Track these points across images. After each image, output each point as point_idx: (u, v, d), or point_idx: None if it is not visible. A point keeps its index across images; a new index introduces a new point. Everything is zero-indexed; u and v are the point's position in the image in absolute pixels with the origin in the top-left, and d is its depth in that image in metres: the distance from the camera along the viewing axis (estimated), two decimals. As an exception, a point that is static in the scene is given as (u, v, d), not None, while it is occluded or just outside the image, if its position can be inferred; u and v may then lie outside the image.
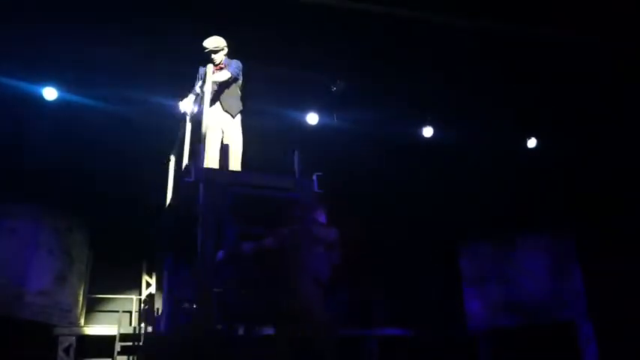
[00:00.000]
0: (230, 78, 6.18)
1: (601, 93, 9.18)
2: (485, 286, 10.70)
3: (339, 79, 8.88)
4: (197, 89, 6.32)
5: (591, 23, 7.96)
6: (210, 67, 6.21)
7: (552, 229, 10.48)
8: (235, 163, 6.13)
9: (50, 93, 8.49)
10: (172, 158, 6.79)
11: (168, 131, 8.74)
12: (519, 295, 10.37)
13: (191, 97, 6.39)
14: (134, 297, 9.93)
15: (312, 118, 9.54)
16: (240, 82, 6.42)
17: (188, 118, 6.29)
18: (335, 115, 9.46)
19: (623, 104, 9.33)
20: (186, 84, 6.51)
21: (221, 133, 6.24)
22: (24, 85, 8.34)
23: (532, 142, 10.24)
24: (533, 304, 10.23)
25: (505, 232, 10.71)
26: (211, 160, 6.01)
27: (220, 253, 5.55)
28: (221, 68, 6.31)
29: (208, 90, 5.93)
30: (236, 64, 6.41)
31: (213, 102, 6.10)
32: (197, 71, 6.48)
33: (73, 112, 8.65)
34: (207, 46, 6.32)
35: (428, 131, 9.91)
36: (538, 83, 9.16)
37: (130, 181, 8.86)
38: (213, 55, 6.32)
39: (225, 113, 6.27)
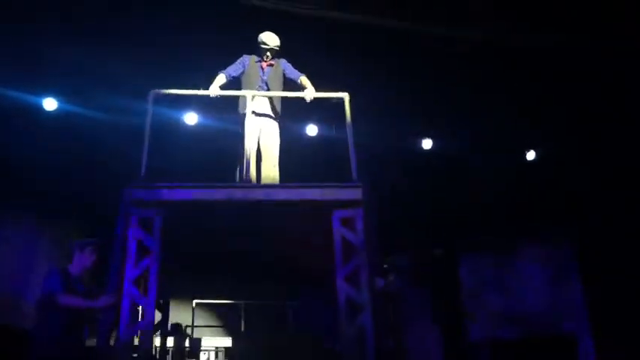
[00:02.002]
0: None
1: (601, 104, 9.20)
2: (485, 296, 10.66)
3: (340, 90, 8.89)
4: (233, 72, 6.30)
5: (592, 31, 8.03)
6: (252, 58, 6.37)
7: (552, 240, 10.46)
8: (273, 167, 6.08)
9: (50, 104, 8.53)
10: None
11: (168, 143, 8.85)
12: (519, 306, 10.31)
13: (221, 77, 6.24)
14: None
15: (312, 130, 9.57)
16: None
17: (248, 116, 5.96)
18: (334, 126, 9.46)
19: (624, 115, 9.34)
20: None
21: (258, 132, 6.16)
22: (24, 96, 8.38)
23: (531, 154, 10.26)
24: (533, 315, 10.18)
25: (505, 242, 10.68)
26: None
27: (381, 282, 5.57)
28: (271, 65, 6.36)
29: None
30: (289, 65, 6.44)
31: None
32: (238, 56, 6.45)
33: (72, 123, 8.69)
34: (270, 44, 6.33)
35: (427, 143, 9.96)
36: (537, 95, 9.20)
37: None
38: (269, 53, 6.33)
39: (270, 111, 6.24)
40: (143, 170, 5.33)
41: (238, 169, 5.94)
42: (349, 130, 5.85)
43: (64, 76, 8.31)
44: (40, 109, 8.55)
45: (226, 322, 10.82)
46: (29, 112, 8.52)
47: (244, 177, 5.70)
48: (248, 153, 5.83)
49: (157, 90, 5.89)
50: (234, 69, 6.31)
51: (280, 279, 9.82)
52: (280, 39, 6.47)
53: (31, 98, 8.48)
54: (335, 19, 7.81)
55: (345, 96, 6.01)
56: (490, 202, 10.30)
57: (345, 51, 8.41)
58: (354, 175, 5.54)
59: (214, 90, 6.05)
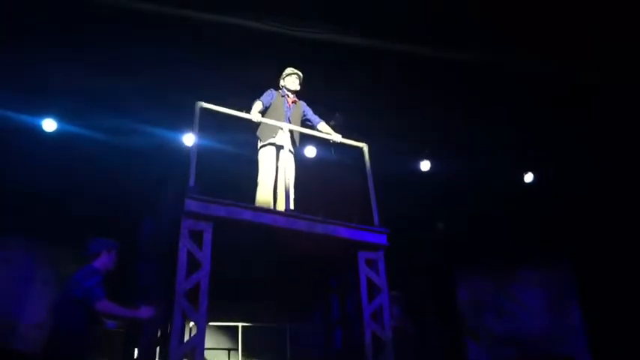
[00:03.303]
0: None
1: (602, 128, 9.25)
2: (484, 320, 10.64)
3: (338, 112, 8.91)
4: (266, 102, 6.54)
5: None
6: (277, 93, 6.69)
7: (551, 264, 10.48)
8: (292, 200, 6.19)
9: (49, 124, 8.51)
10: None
11: (167, 162, 8.85)
12: (518, 330, 10.31)
13: (259, 104, 6.43)
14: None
15: (310, 152, 9.57)
16: None
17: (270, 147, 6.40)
18: (333, 149, 9.46)
19: (623, 140, 9.38)
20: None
21: (277, 164, 6.38)
22: (23, 117, 8.36)
23: (529, 177, 10.27)
24: (532, 338, 10.18)
25: (504, 266, 10.69)
26: (265, 193, 6.18)
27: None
28: (294, 102, 6.74)
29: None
30: (309, 109, 6.90)
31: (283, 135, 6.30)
32: (265, 89, 6.71)
33: (72, 144, 8.67)
34: (297, 71, 6.81)
35: (425, 165, 9.95)
36: (534, 116, 9.23)
37: (129, 213, 8.82)
38: (297, 86, 6.77)
39: (291, 146, 6.49)
40: (192, 182, 5.29)
41: (258, 197, 6.17)
42: (370, 178, 6.26)
43: (63, 96, 8.30)
44: (40, 130, 8.52)
45: (224, 344, 10.73)
46: (28, 133, 8.50)
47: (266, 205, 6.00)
48: (269, 183, 6.17)
49: (202, 103, 5.91)
50: (266, 99, 6.58)
51: (280, 302, 9.79)
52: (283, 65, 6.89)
53: (29, 119, 8.45)
54: (330, 42, 7.86)
55: (365, 146, 6.49)
56: (489, 227, 10.30)
57: (342, 72, 8.44)
58: (376, 220, 5.94)
59: (256, 116, 6.24)
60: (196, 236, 5.11)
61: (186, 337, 5.02)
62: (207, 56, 7.89)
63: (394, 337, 5.78)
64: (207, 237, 5.11)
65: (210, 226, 5.15)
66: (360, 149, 6.53)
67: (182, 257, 4.95)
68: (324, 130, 6.74)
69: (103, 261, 5.20)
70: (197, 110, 5.83)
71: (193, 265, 5.02)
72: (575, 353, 9.85)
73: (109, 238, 5.38)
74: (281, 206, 6.05)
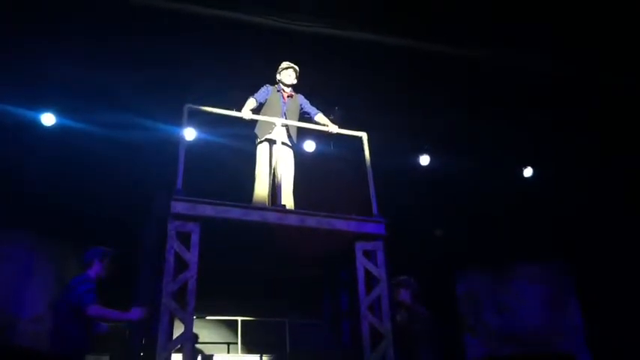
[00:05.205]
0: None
1: (598, 125, 9.24)
2: (483, 316, 10.63)
3: (337, 106, 8.91)
4: (260, 98, 6.53)
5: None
6: (273, 88, 6.63)
7: (551, 261, 10.46)
8: (288, 195, 6.20)
9: (48, 119, 8.50)
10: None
11: (167, 157, 8.82)
12: (518, 326, 10.29)
13: (252, 101, 6.44)
14: (127, 325, 9.75)
15: (309, 146, 9.56)
16: None
17: (266, 143, 6.39)
18: (332, 143, 9.46)
19: (621, 135, 9.38)
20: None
21: (275, 159, 6.32)
22: (22, 111, 8.35)
23: (528, 172, 10.26)
24: (531, 334, 10.16)
25: (504, 262, 10.68)
26: (261, 189, 6.18)
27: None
28: (290, 96, 6.68)
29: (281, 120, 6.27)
30: (306, 101, 6.82)
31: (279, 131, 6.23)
32: (261, 85, 6.68)
33: (70, 138, 8.66)
34: (293, 65, 6.76)
35: (424, 159, 9.94)
36: (534, 114, 9.23)
37: (128, 208, 8.80)
38: (293, 80, 6.71)
39: (288, 140, 6.46)
40: (180, 184, 5.30)
41: (254, 193, 6.20)
42: (369, 168, 6.17)
43: (62, 90, 8.30)
44: (38, 124, 8.51)
45: (224, 338, 10.74)
46: (27, 127, 8.48)
47: (262, 202, 6.04)
48: (265, 179, 6.14)
49: (190, 105, 5.94)
50: (261, 96, 6.56)
51: (280, 296, 9.80)
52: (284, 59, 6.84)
53: (28, 113, 8.44)
54: (333, 36, 7.85)
55: (364, 135, 6.39)
56: (488, 223, 10.28)
57: (342, 67, 8.44)
58: (375, 210, 5.84)
59: (247, 113, 6.24)
60: (184, 237, 5.10)
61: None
62: (206, 50, 7.90)
63: (408, 321, 5.85)
64: (195, 238, 5.09)
65: (198, 226, 5.13)
66: (359, 140, 6.46)
67: (169, 258, 4.96)
68: (322, 121, 6.68)
69: (96, 269, 5.48)
70: (185, 112, 5.85)
71: (184, 264, 5.03)
72: (574, 350, 9.84)
73: (104, 247, 5.63)
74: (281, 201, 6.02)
